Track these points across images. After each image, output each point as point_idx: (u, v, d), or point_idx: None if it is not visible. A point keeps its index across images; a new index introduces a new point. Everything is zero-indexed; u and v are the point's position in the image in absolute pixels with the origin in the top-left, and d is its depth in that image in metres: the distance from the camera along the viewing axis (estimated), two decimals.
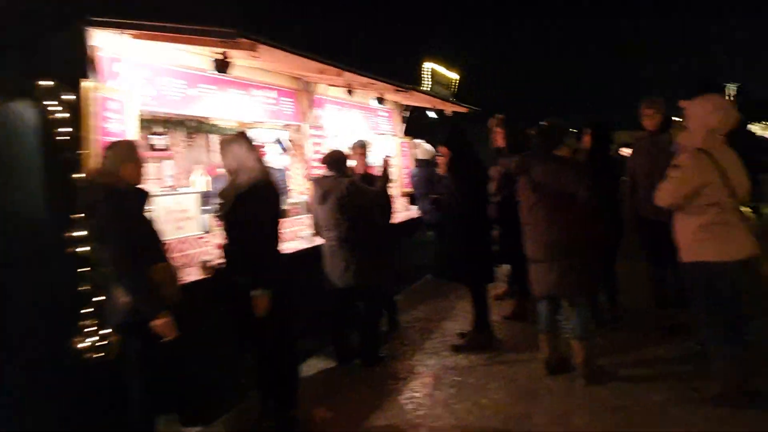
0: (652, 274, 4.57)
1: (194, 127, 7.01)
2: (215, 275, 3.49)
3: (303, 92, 5.92)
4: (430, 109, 8.12)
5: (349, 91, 5.77)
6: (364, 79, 5.34)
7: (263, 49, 3.54)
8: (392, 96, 6.75)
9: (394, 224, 5.39)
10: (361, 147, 5.27)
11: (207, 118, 5.47)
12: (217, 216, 3.34)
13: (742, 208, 3.13)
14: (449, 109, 8.37)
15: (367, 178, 5.13)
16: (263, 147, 6.92)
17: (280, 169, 6.71)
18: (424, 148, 7.19)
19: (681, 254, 3.23)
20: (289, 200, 6.12)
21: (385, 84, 5.67)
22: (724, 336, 3.14)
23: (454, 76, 8.97)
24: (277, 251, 3.35)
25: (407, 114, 8.38)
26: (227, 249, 3.26)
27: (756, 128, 27.11)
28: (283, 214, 3.43)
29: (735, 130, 3.35)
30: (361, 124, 7.27)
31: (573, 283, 3.76)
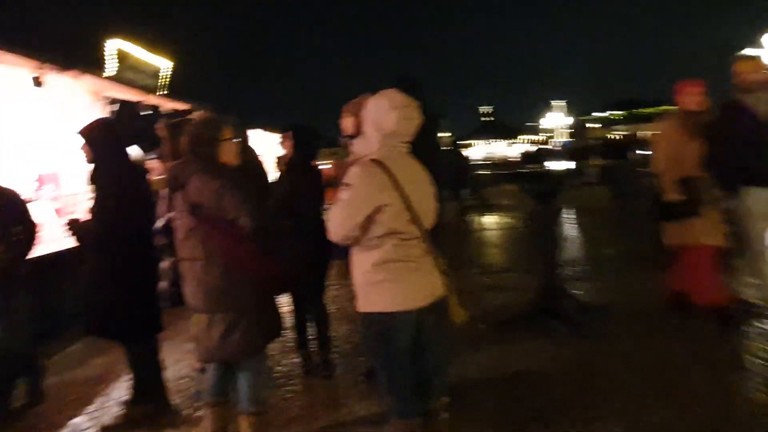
0: None
1: None
2: None
3: None
4: (138, 104, 6.58)
5: None
6: None
7: None
8: (59, 78, 5.05)
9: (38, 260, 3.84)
10: None
11: None
12: None
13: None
14: (166, 104, 6.94)
15: None
16: None
17: None
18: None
19: (356, 301, 2.42)
20: None
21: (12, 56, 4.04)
22: (404, 403, 2.40)
23: (161, 63, 7.44)
24: None
25: (115, 108, 6.72)
26: None
27: (500, 144, 30.84)
28: None
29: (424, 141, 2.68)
30: (32, 115, 5.45)
31: (239, 343, 2.74)
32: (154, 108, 6.79)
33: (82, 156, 3.29)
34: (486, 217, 13.01)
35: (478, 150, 36.35)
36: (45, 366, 3.98)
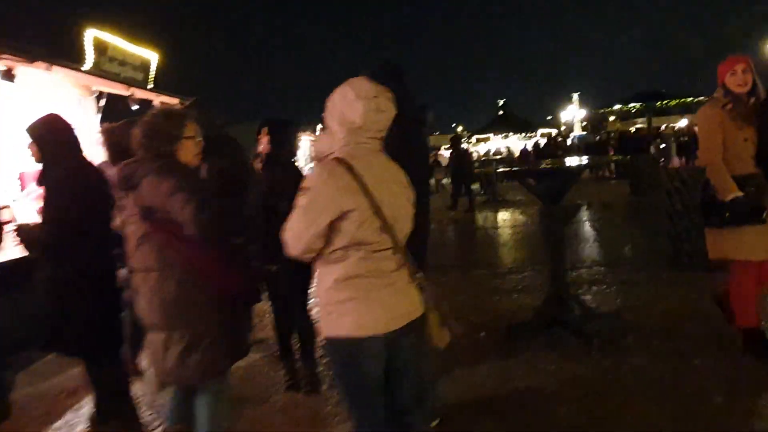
0: None
1: None
2: None
3: None
4: (127, 98, 6.31)
5: None
6: None
7: None
8: (30, 69, 4.77)
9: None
10: None
11: None
12: None
13: None
14: (157, 98, 6.66)
15: None
16: None
17: None
18: None
19: (320, 323, 2.10)
20: None
21: None
22: None
23: (146, 54, 7.12)
24: None
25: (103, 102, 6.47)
26: None
27: (514, 138, 30.25)
28: None
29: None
30: (11, 111, 5.21)
31: (199, 365, 2.44)
32: (145, 102, 6.54)
33: (29, 155, 3.02)
34: (497, 213, 12.63)
35: (494, 143, 35.52)
36: (12, 379, 3.74)
